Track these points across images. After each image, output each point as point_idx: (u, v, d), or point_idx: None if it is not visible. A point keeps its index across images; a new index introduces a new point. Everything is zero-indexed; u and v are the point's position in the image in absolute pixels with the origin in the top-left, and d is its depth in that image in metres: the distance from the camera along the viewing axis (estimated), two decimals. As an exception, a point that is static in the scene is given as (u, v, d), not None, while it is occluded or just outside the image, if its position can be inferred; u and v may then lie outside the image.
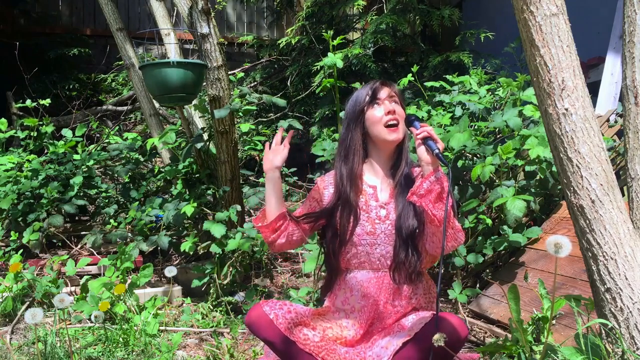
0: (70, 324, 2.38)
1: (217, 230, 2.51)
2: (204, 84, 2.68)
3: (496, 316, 2.27)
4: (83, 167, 3.46)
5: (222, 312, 2.50)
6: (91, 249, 3.11)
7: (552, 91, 1.37)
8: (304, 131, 4.79)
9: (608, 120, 3.23)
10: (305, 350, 1.56)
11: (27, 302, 2.58)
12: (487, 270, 2.63)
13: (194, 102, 3.06)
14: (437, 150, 1.46)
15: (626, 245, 1.36)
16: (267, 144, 1.73)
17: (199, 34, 2.57)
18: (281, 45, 4.95)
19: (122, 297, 2.39)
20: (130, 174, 3.46)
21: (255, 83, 5.49)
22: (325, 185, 1.77)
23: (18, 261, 2.64)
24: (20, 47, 5.04)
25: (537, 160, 2.48)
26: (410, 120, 1.58)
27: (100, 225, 3.41)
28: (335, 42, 3.11)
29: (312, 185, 4.15)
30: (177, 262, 3.30)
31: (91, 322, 2.33)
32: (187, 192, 3.02)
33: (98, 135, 5.11)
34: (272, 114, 4.37)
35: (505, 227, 2.46)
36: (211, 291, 2.57)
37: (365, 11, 4.88)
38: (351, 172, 1.68)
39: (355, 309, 1.69)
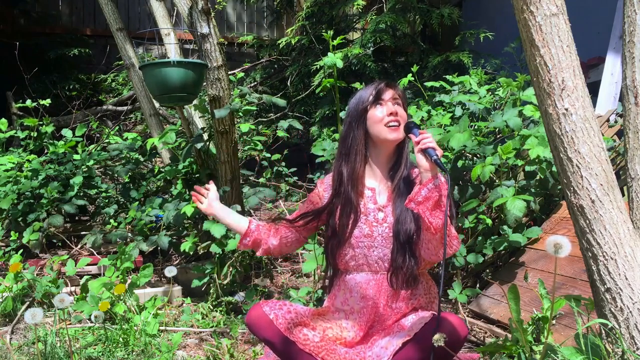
0: (70, 324, 2.38)
1: (217, 230, 2.51)
2: (204, 84, 2.68)
3: (496, 316, 2.27)
4: (83, 167, 3.46)
5: (222, 312, 2.50)
6: (91, 249, 3.11)
7: (552, 91, 1.37)
8: (304, 131, 4.80)
9: (608, 120, 3.23)
10: (305, 351, 1.56)
11: (27, 302, 2.58)
12: (487, 270, 2.63)
13: (194, 102, 3.06)
14: (435, 157, 1.46)
15: (626, 245, 1.36)
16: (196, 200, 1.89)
17: (199, 34, 2.57)
18: (281, 45, 4.95)
19: (122, 297, 2.39)
20: (130, 174, 3.46)
21: (255, 83, 5.49)
22: (325, 188, 1.77)
23: (18, 261, 2.64)
24: (20, 47, 5.04)
25: (537, 160, 2.48)
26: (409, 127, 1.58)
27: (100, 225, 3.41)
28: (335, 42, 3.12)
29: (312, 185, 4.15)
30: (177, 262, 3.30)
31: (91, 322, 2.33)
32: (187, 192, 3.02)
33: (98, 135, 5.11)
34: (272, 114, 4.37)
35: (505, 227, 2.46)
36: (211, 291, 2.57)
37: (365, 11, 4.88)
38: (353, 172, 1.67)
39: (355, 310, 1.69)
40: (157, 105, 3.97)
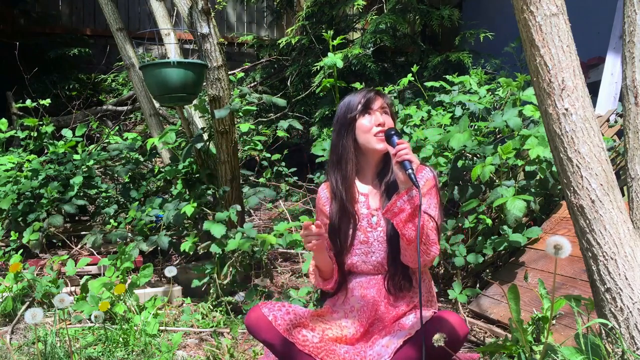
0: (70, 324, 2.38)
1: (217, 230, 2.51)
2: (204, 84, 2.67)
3: (496, 316, 2.27)
4: (83, 167, 3.46)
5: (222, 312, 2.50)
6: (91, 249, 3.11)
7: (552, 91, 1.37)
8: (304, 131, 4.80)
9: (608, 120, 3.23)
10: (305, 352, 1.56)
11: (27, 302, 2.58)
12: (487, 270, 2.63)
13: (194, 102, 3.06)
14: (409, 171, 1.48)
15: (626, 245, 1.36)
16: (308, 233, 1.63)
17: (199, 34, 2.57)
18: (281, 45, 4.95)
19: (122, 297, 2.39)
20: (130, 174, 3.46)
21: (255, 83, 5.49)
22: (324, 202, 1.78)
23: (18, 261, 2.64)
24: (20, 47, 5.04)
25: (537, 160, 2.48)
26: (388, 136, 1.59)
27: (100, 225, 3.41)
28: (335, 42, 3.12)
29: (312, 185, 4.15)
30: (177, 262, 3.30)
31: (91, 322, 2.33)
32: (187, 192, 3.02)
33: (98, 135, 5.11)
34: (272, 114, 4.37)
35: (505, 227, 2.46)
36: (211, 291, 2.57)
37: (365, 11, 4.88)
38: (344, 180, 1.69)
39: (355, 308, 1.69)
40: (157, 105, 3.97)
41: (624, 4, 1.45)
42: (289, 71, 4.97)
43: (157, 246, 2.83)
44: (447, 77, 3.38)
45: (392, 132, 1.59)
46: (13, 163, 3.52)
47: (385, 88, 3.66)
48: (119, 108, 5.65)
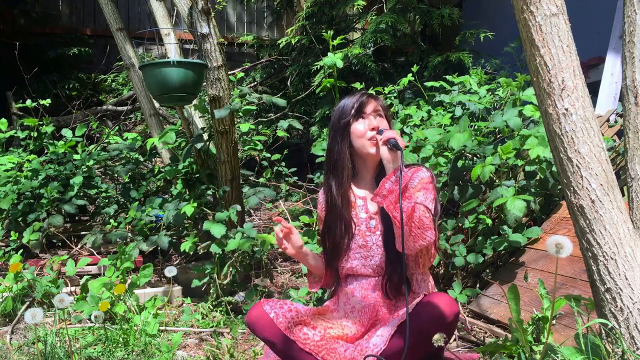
0: (70, 324, 2.38)
1: (217, 230, 2.51)
2: (204, 84, 2.67)
3: (496, 316, 2.27)
4: (83, 167, 3.46)
5: (222, 312, 2.50)
6: (91, 249, 3.11)
7: (552, 91, 1.37)
8: (304, 131, 4.80)
9: (608, 120, 3.23)
10: (305, 350, 1.56)
11: (27, 302, 2.58)
12: (487, 270, 2.63)
13: (194, 102, 3.06)
14: (393, 142, 1.53)
15: (626, 245, 1.36)
16: (277, 234, 1.71)
17: (199, 34, 2.57)
18: (281, 45, 4.95)
19: (122, 297, 2.39)
20: (130, 174, 3.46)
21: (255, 83, 5.49)
22: (322, 208, 1.79)
23: (18, 261, 2.64)
24: (20, 47, 5.04)
25: (537, 160, 2.48)
26: (380, 132, 1.63)
27: (100, 225, 3.41)
28: (335, 42, 3.12)
29: (312, 185, 4.15)
30: (177, 262, 3.30)
31: (91, 322, 2.33)
32: (187, 192, 3.02)
33: (98, 135, 5.11)
34: (272, 114, 4.37)
35: (505, 227, 2.46)
36: (211, 291, 2.57)
37: (365, 11, 4.88)
38: (340, 186, 1.69)
39: (356, 309, 1.70)
40: (157, 105, 3.97)
41: (624, 4, 1.45)
42: (289, 71, 4.96)
43: (157, 246, 2.83)
44: (447, 77, 3.38)
45: (382, 130, 1.64)
46: (13, 163, 3.52)
47: (385, 88, 3.66)
48: (119, 108, 5.65)
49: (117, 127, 5.25)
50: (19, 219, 3.19)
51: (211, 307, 2.52)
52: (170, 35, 3.86)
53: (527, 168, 2.59)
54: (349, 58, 4.23)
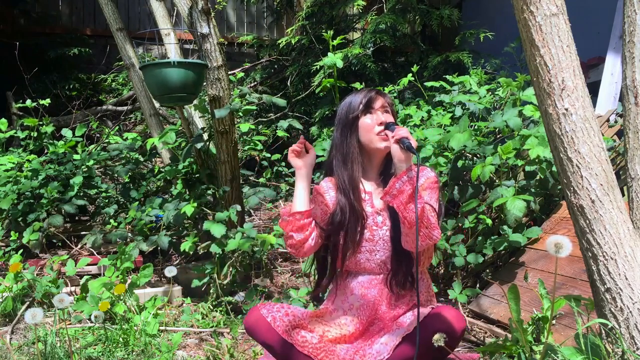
0: (70, 324, 2.38)
1: (217, 230, 2.51)
2: (204, 84, 2.67)
3: (496, 316, 2.27)
4: (83, 167, 3.46)
5: (222, 312, 2.50)
6: (91, 249, 3.11)
7: (552, 91, 1.37)
8: (304, 131, 4.79)
9: (608, 120, 3.23)
10: (304, 353, 1.56)
11: (27, 302, 2.58)
12: (487, 270, 2.63)
13: (194, 102, 3.06)
14: (407, 143, 1.51)
15: (626, 245, 1.36)
16: (296, 148, 1.69)
17: (199, 34, 2.57)
18: (281, 45, 4.95)
19: (122, 297, 2.39)
20: (130, 174, 3.46)
21: (255, 83, 5.49)
22: (325, 190, 1.75)
23: (18, 261, 2.64)
24: (20, 47, 5.04)
25: (537, 160, 2.48)
26: (387, 126, 1.64)
27: (100, 225, 3.41)
28: (335, 42, 3.12)
29: (311, 185, 4.14)
30: (177, 262, 3.30)
31: (91, 322, 2.33)
32: (187, 192, 3.02)
33: (98, 135, 5.11)
34: (272, 114, 4.37)
35: (505, 227, 2.46)
36: (211, 291, 2.57)
37: (365, 11, 4.88)
38: (351, 179, 1.68)
39: (355, 306, 1.70)
40: (157, 105, 3.97)
41: (624, 4, 1.45)
42: (289, 71, 4.96)
43: (157, 246, 2.83)
44: (447, 77, 3.38)
45: (391, 123, 1.64)
46: (13, 163, 3.52)
47: (385, 88, 3.66)
48: (119, 108, 5.65)
49: (117, 127, 5.25)
50: (19, 219, 3.19)
51: (211, 307, 2.52)
52: (170, 35, 3.86)
53: (527, 168, 2.59)
54: (349, 58, 4.23)
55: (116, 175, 3.55)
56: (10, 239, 3.06)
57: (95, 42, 6.39)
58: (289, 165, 4.00)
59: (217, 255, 2.61)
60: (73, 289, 2.75)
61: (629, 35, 1.44)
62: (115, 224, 3.20)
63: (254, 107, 2.86)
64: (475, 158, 2.73)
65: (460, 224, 2.56)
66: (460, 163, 2.63)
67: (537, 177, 2.58)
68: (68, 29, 6.35)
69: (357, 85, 3.49)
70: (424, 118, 3.13)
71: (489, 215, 2.58)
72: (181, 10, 3.05)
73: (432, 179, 1.64)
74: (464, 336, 2.17)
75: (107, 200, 3.51)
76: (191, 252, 2.66)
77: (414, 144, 1.52)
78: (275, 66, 5.54)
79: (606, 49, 3.46)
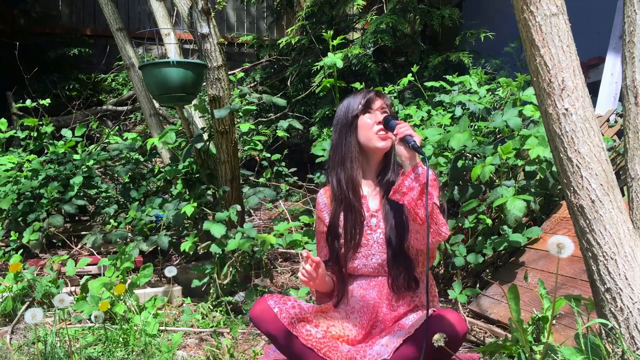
0: (70, 324, 2.38)
1: (217, 230, 2.51)
2: (204, 84, 2.67)
3: (496, 316, 2.27)
4: (83, 167, 3.46)
5: (222, 312, 2.50)
6: (91, 249, 3.11)
7: (552, 91, 1.37)
8: (304, 131, 4.79)
9: (608, 120, 3.23)
10: (307, 346, 1.57)
11: (27, 302, 2.58)
12: (487, 270, 2.63)
13: (194, 102, 3.06)
14: (412, 142, 1.49)
15: (626, 245, 1.36)
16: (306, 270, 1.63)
17: (199, 34, 2.57)
18: (281, 45, 4.95)
19: (122, 297, 2.39)
20: (130, 174, 3.46)
21: (255, 83, 5.49)
22: (322, 209, 1.77)
23: (18, 261, 2.64)
24: (20, 47, 5.04)
25: (537, 160, 2.48)
26: (387, 122, 1.62)
27: (100, 225, 3.41)
28: (335, 42, 3.12)
29: (312, 185, 4.15)
30: (177, 262, 3.30)
31: (91, 322, 2.33)
32: (187, 192, 3.02)
33: (98, 135, 5.11)
34: (272, 114, 4.37)
35: (505, 227, 2.46)
36: (211, 291, 2.57)
37: (365, 11, 4.88)
38: (351, 179, 1.68)
39: (355, 309, 1.70)
40: (157, 105, 3.97)
41: (624, 4, 1.45)
42: (289, 71, 4.96)
43: (157, 246, 2.83)
44: (447, 77, 3.38)
45: (389, 118, 1.62)
46: (13, 163, 3.52)
47: (385, 88, 3.66)
48: (119, 108, 5.65)
49: (117, 127, 5.25)
50: (19, 219, 3.19)
51: (211, 307, 2.52)
52: (170, 35, 3.86)
53: (527, 168, 2.59)
54: (349, 58, 4.23)
55: (116, 175, 3.55)
56: (10, 239, 3.06)
57: (95, 42, 6.39)
58: (289, 165, 4.00)
59: (217, 255, 2.61)
60: (73, 289, 2.75)
61: (629, 35, 1.44)
62: (115, 224, 3.20)
63: (254, 107, 2.86)
64: (475, 158, 2.73)
65: (460, 224, 2.56)
66: (460, 163, 2.63)
67: (537, 177, 2.58)
68: (68, 29, 6.35)
69: (357, 85, 3.49)
70: (424, 118, 3.13)
71: (489, 215, 2.58)
72: (181, 10, 3.05)
73: (431, 178, 1.63)
74: (464, 336, 2.17)
75: (107, 200, 3.51)
76: (191, 252, 2.66)
77: (419, 140, 1.51)
78: (275, 66, 5.54)
79: (606, 49, 3.46)
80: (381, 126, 1.65)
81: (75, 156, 3.55)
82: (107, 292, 2.41)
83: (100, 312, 2.14)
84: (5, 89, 5.11)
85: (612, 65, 3.41)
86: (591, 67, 3.99)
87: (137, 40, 4.75)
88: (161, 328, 2.28)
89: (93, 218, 3.53)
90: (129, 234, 3.02)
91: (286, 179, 4.01)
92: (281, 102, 2.79)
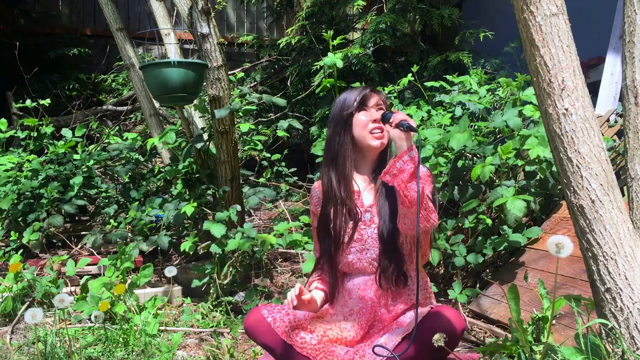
0: (70, 324, 2.38)
1: (217, 230, 2.51)
2: (204, 84, 2.67)
3: (496, 316, 2.27)
4: (83, 167, 3.46)
5: (222, 312, 2.50)
6: (91, 249, 3.11)
7: (552, 91, 1.37)
8: (304, 131, 4.79)
9: (608, 120, 3.23)
10: (303, 354, 1.56)
11: (27, 302, 2.58)
12: (487, 270, 2.63)
13: (194, 102, 3.06)
14: (406, 124, 1.50)
15: (626, 245, 1.36)
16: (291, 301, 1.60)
17: (199, 34, 2.57)
18: (281, 46, 4.95)
19: (122, 297, 2.39)
20: (130, 174, 3.46)
21: (255, 83, 5.49)
22: (316, 203, 1.77)
23: (18, 261, 2.64)
24: (20, 47, 5.04)
25: (537, 160, 2.48)
26: (385, 118, 1.62)
27: (100, 225, 3.41)
28: (335, 42, 3.12)
29: (312, 185, 4.15)
30: (177, 262, 3.30)
31: (91, 322, 2.33)
32: (187, 192, 3.02)
33: (98, 135, 5.11)
34: (272, 114, 4.37)
35: (505, 227, 2.46)
36: (211, 291, 2.57)
37: (365, 11, 4.88)
38: (343, 176, 1.67)
39: (354, 311, 1.69)
40: (157, 105, 3.97)
41: (624, 4, 1.45)
42: (289, 71, 4.96)
43: (157, 246, 2.83)
44: (447, 77, 3.38)
45: (386, 113, 1.61)
46: (13, 163, 3.52)
47: (385, 88, 3.66)
48: (119, 108, 5.65)
49: (117, 127, 5.25)
50: (19, 219, 3.19)
51: (211, 307, 2.52)
52: (170, 35, 3.86)
53: (527, 168, 2.59)
54: (349, 58, 4.23)
55: (116, 175, 3.55)
56: (10, 239, 3.06)
57: (95, 42, 6.39)
58: (289, 165, 4.00)
59: (217, 255, 2.61)
60: (73, 289, 2.75)
61: (629, 35, 1.44)
62: (115, 224, 3.20)
63: (254, 107, 2.86)
64: (475, 158, 2.73)
65: (460, 224, 2.56)
66: (460, 163, 2.63)
67: (537, 177, 2.58)
68: (68, 29, 6.35)
69: (357, 85, 3.49)
70: (424, 118, 3.13)
71: (489, 215, 2.58)
72: (181, 10, 3.05)
73: (424, 173, 1.62)
74: (464, 336, 2.17)
75: (107, 200, 3.51)
76: (191, 252, 2.66)
77: (413, 123, 1.51)
78: (275, 66, 5.54)
79: (606, 49, 3.46)
80: (376, 124, 1.64)
81: (75, 156, 3.55)
82: (107, 292, 2.41)
83: (100, 312, 2.14)
84: (5, 89, 5.11)
85: (612, 65, 3.41)
86: (591, 67, 3.99)
87: (137, 40, 4.75)
88: (161, 328, 2.28)
89: (93, 218, 3.53)
90: (129, 234, 3.02)
91: (286, 179, 4.01)
92: (281, 102, 2.79)
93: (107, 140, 4.42)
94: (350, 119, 1.67)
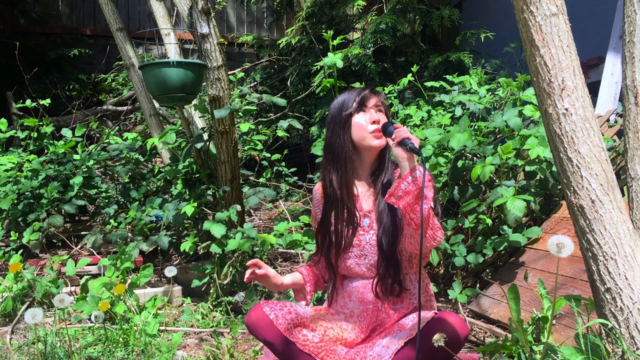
0: (70, 324, 2.38)
1: (217, 230, 2.51)
2: (204, 84, 2.67)
3: (496, 316, 2.27)
4: (83, 167, 3.46)
5: (222, 312, 2.50)
6: (91, 249, 3.11)
7: (552, 91, 1.37)
8: (304, 131, 4.80)
9: (608, 120, 3.23)
10: (305, 351, 1.56)
11: (27, 302, 2.58)
12: (487, 270, 2.63)
13: (194, 102, 3.06)
14: (410, 145, 1.46)
15: (626, 245, 1.36)
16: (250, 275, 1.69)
17: (199, 34, 2.57)
18: (281, 46, 4.95)
19: (122, 297, 2.39)
20: (130, 174, 3.46)
21: (255, 83, 5.49)
22: (317, 204, 1.77)
23: (18, 261, 2.64)
24: (20, 47, 5.04)
25: (537, 160, 2.48)
26: (385, 128, 1.59)
27: (100, 225, 3.41)
28: (335, 42, 3.12)
29: (312, 185, 4.15)
30: (177, 262, 3.30)
31: (91, 322, 2.33)
32: (187, 192, 3.02)
33: (98, 135, 5.11)
34: (272, 114, 4.37)
35: (505, 227, 2.46)
36: (211, 291, 2.57)
37: (365, 11, 4.88)
38: (345, 180, 1.66)
39: (355, 314, 1.69)
40: (157, 105, 3.97)
41: (624, 4, 1.45)
42: (289, 71, 4.96)
43: (157, 246, 2.83)
44: (447, 77, 3.38)
45: (388, 124, 1.59)
46: (13, 163, 3.52)
47: (385, 88, 3.66)
48: (119, 108, 5.65)
49: (117, 127, 5.25)
50: (19, 219, 3.19)
51: (211, 307, 2.52)
52: (170, 35, 3.86)
53: (527, 168, 2.59)
54: (349, 58, 4.23)
55: (116, 175, 3.55)
56: (10, 239, 3.06)
57: (95, 42, 6.39)
58: (289, 165, 4.00)
59: (217, 255, 2.61)
60: (73, 289, 2.75)
61: (629, 35, 1.44)
62: (115, 224, 3.20)
63: (254, 107, 2.86)
64: (475, 158, 2.73)
65: (460, 224, 2.56)
66: (460, 163, 2.63)
67: (537, 177, 2.58)
68: (68, 29, 6.36)
69: (357, 85, 3.49)
70: (424, 118, 3.13)
71: (489, 215, 2.58)
72: (181, 10, 3.05)
73: (427, 179, 1.62)
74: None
75: (107, 200, 3.51)
76: (191, 252, 2.66)
77: (417, 143, 1.49)
78: (275, 66, 5.54)
79: (606, 49, 3.46)
80: (376, 125, 1.63)
81: (75, 156, 3.55)
82: (107, 292, 2.41)
83: (100, 312, 2.14)
84: (5, 89, 5.12)
85: (612, 65, 3.41)
86: (591, 67, 3.99)
87: (137, 40, 4.75)
88: (161, 328, 2.28)
89: (93, 218, 3.54)
90: (129, 234, 3.02)
91: (286, 179, 4.01)
92: (281, 102, 2.79)
93: (107, 140, 4.42)
94: (349, 120, 1.65)
